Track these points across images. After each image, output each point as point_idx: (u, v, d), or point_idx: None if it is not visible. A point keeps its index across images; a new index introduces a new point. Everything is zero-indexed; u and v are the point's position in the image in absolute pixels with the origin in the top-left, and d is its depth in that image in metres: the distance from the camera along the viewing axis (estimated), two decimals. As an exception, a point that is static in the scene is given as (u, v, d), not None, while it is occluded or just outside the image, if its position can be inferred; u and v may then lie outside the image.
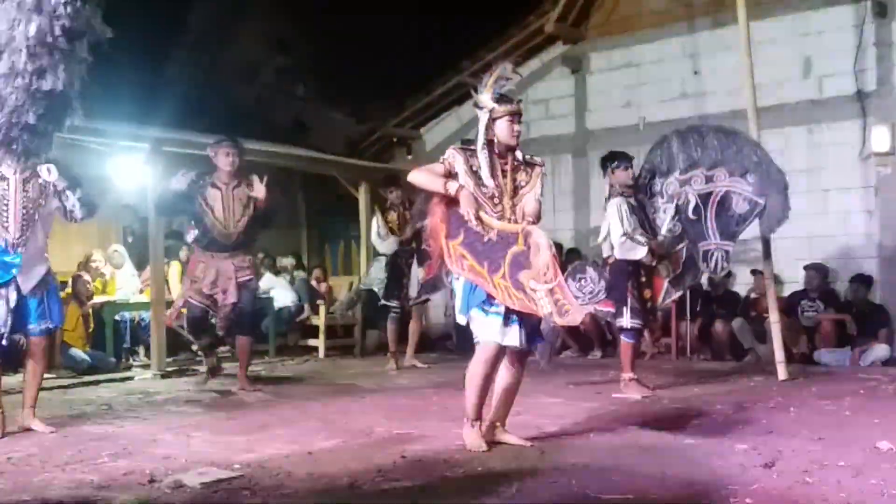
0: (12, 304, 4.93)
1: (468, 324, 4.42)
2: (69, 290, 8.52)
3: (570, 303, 4.09)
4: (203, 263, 6.85)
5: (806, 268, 8.76)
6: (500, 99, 4.44)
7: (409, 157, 11.96)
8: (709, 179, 6.59)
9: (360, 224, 10.45)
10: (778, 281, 8.05)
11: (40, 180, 4.95)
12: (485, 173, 4.39)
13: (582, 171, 10.97)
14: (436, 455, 4.30)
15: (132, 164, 8.74)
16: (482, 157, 4.40)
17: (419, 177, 4.54)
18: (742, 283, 9.41)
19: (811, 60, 9.34)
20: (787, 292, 8.91)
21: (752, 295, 9.12)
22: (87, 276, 8.69)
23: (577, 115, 11.05)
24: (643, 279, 6.51)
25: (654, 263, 6.55)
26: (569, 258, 10.18)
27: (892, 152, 8.73)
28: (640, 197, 6.64)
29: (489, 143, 4.44)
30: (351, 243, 12.07)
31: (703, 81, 10.04)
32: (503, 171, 4.44)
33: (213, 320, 7.01)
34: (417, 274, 8.24)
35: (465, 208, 4.28)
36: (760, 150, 6.60)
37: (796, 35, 9.39)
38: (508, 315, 4.28)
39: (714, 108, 9.80)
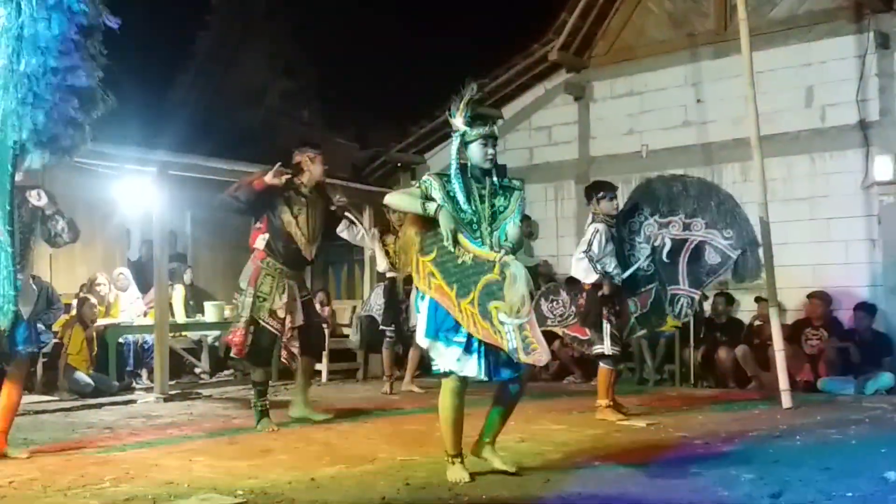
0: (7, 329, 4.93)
1: (427, 347, 4.35)
2: (73, 312, 8.52)
3: (538, 341, 4.01)
4: (271, 277, 6.15)
5: (809, 296, 8.76)
6: (473, 122, 4.38)
7: (413, 182, 11.98)
8: (686, 227, 6.72)
9: (364, 248, 10.45)
10: (781, 309, 8.02)
11: (30, 205, 4.97)
12: (461, 198, 4.31)
13: (585, 197, 10.97)
14: (440, 482, 4.27)
15: (139, 188, 8.78)
16: (456, 182, 4.33)
17: (397, 199, 4.51)
18: (745, 311, 9.41)
19: (814, 90, 9.39)
20: (790, 320, 8.90)
21: (756, 322, 9.11)
22: (93, 299, 8.69)
23: (581, 141, 11.09)
24: (619, 307, 6.53)
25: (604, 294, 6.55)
26: (568, 286, 10.22)
27: (895, 181, 8.75)
28: (621, 231, 6.72)
29: (462, 168, 4.39)
30: (354, 267, 12.08)
31: (705, 110, 10.08)
32: (480, 196, 4.36)
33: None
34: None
35: (445, 228, 4.20)
36: (739, 209, 6.75)
37: (799, 65, 9.44)
38: (470, 344, 4.20)
39: (716, 136, 9.86)
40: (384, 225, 8.84)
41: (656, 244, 6.71)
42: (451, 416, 4.32)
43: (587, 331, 6.61)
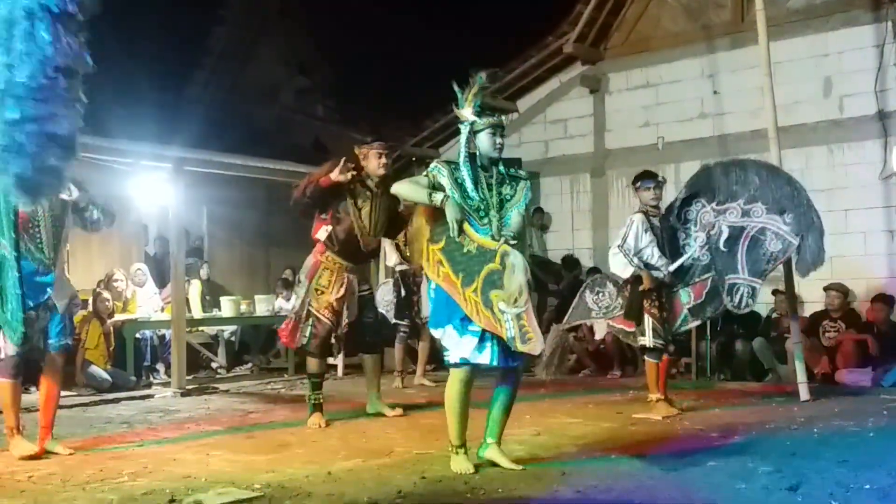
0: (45, 323, 4.98)
1: (440, 338, 4.38)
2: (90, 308, 8.58)
3: (534, 331, 4.06)
4: (330, 271, 6.12)
5: (827, 288, 8.69)
6: (482, 111, 4.43)
7: (427, 176, 11.98)
8: (745, 213, 6.49)
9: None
10: (799, 301, 7.98)
11: (62, 198, 5.02)
12: (469, 186, 4.37)
13: (600, 190, 10.97)
14: (456, 476, 4.28)
15: (154, 184, 8.82)
16: (465, 169, 4.39)
17: (404, 188, 4.56)
18: (763, 303, 9.34)
19: (832, 80, 9.32)
20: (808, 312, 8.85)
21: (773, 315, 9.06)
22: (106, 294, 8.75)
23: (596, 134, 11.05)
24: (664, 300, 6.45)
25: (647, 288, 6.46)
26: (590, 276, 10.18)
27: (914, 172, 8.69)
28: (670, 221, 6.59)
29: (471, 157, 4.44)
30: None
31: (722, 101, 10.03)
32: (488, 185, 4.42)
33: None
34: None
35: (451, 218, 4.25)
36: (804, 193, 6.46)
37: (816, 55, 9.37)
38: (484, 333, 4.24)
39: (734, 127, 9.80)
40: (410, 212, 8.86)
41: (712, 233, 6.52)
42: (458, 407, 4.35)
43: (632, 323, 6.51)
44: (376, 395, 6.54)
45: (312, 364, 6.23)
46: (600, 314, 6.79)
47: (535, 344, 4.07)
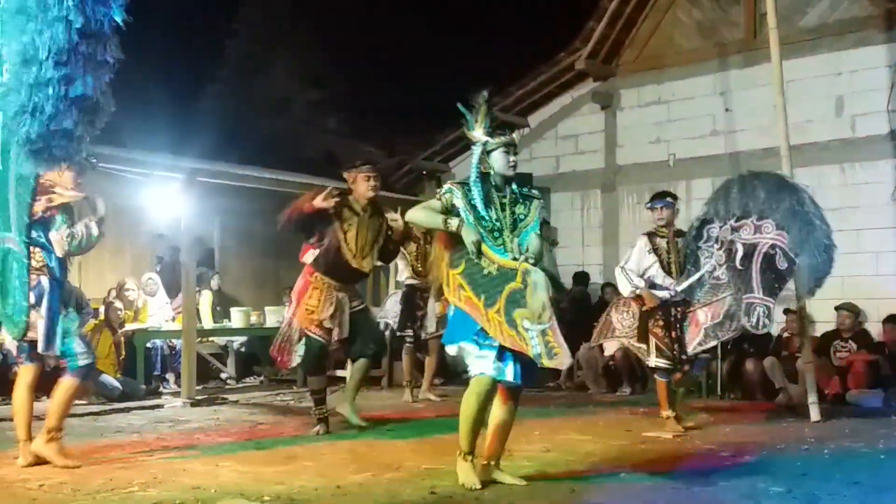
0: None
1: (456, 354, 4.41)
2: (101, 317, 8.61)
3: (560, 346, 4.08)
4: (319, 291, 6.25)
5: (838, 308, 8.66)
6: (494, 131, 4.45)
7: (438, 190, 12.00)
8: (757, 230, 6.33)
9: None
10: (810, 321, 7.95)
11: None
12: (480, 206, 4.38)
13: (611, 206, 10.97)
14: (465, 492, 4.28)
15: (167, 194, 8.86)
16: (476, 190, 4.40)
17: (418, 215, 4.54)
18: (774, 322, 9.30)
19: (844, 99, 9.31)
20: (819, 332, 8.81)
21: (785, 334, 9.02)
22: (118, 303, 8.78)
23: (607, 150, 11.06)
24: (671, 319, 6.43)
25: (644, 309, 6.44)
26: (605, 289, 10.19)
27: (927, 192, 8.65)
28: (687, 241, 6.53)
29: (484, 176, 4.45)
30: (379, 274, 12.09)
31: (734, 119, 10.03)
32: (501, 205, 4.43)
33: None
34: (435, 308, 8.28)
35: (469, 241, 4.27)
36: (805, 207, 6.26)
37: (829, 74, 9.37)
38: (503, 349, 4.25)
39: (746, 145, 9.80)
40: (406, 233, 8.88)
41: (731, 251, 6.36)
42: (473, 416, 4.35)
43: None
44: (349, 398, 6.60)
45: (312, 381, 6.44)
46: (624, 333, 6.77)
47: (563, 358, 4.09)
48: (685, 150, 10.32)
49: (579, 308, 10.14)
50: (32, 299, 4.70)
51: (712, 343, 6.60)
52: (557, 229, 11.29)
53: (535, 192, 4.62)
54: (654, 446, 5.77)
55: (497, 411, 4.47)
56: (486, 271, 4.29)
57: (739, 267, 6.31)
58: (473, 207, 4.37)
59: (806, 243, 6.16)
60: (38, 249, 4.73)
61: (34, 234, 4.67)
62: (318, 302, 6.24)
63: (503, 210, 4.42)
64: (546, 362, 4.08)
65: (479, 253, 4.28)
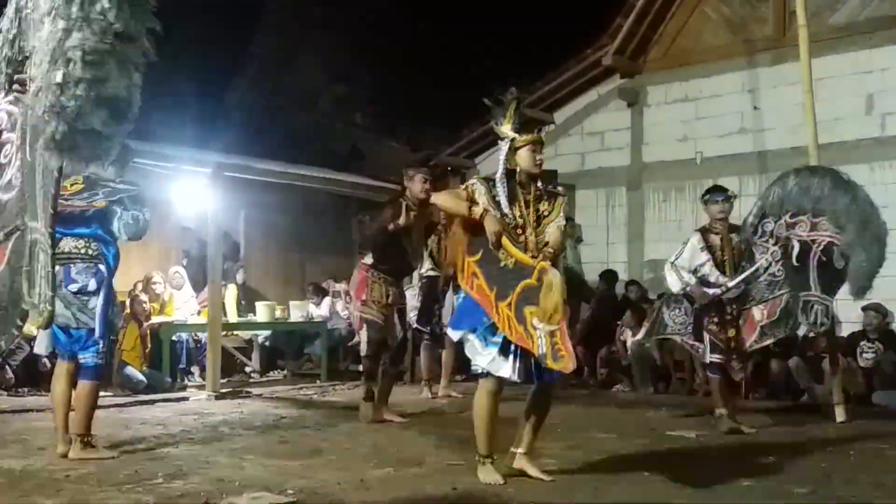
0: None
1: (459, 340, 4.46)
2: (127, 310, 8.69)
3: (566, 349, 4.07)
4: (377, 284, 6.65)
5: (864, 308, 8.56)
6: (522, 128, 4.46)
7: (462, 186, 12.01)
8: (813, 227, 6.23)
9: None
10: (836, 321, 7.87)
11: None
12: (505, 203, 4.39)
13: (637, 203, 10.92)
14: (487, 488, 4.29)
15: (194, 188, 8.92)
16: (501, 187, 4.41)
17: (444, 199, 4.61)
18: (836, 322, 9.16)
19: (874, 98, 9.21)
20: (845, 332, 8.73)
21: (810, 334, 8.93)
22: (144, 297, 8.86)
23: (633, 147, 11.00)
24: (727, 317, 6.35)
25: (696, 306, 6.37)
26: (629, 287, 10.16)
27: (957, 192, 8.53)
28: (743, 237, 6.42)
29: (510, 173, 4.46)
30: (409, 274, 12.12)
31: (762, 117, 9.95)
32: (525, 202, 4.44)
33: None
34: (453, 301, 8.28)
35: (490, 230, 4.26)
36: (856, 203, 6.16)
37: (859, 72, 9.27)
38: (506, 347, 4.25)
39: (773, 144, 9.72)
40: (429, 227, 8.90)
41: (785, 246, 6.28)
42: (485, 417, 4.37)
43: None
44: (383, 403, 6.80)
45: (368, 366, 6.74)
46: (676, 330, 6.67)
47: (567, 361, 4.07)
48: (712, 148, 10.25)
49: (606, 307, 10.11)
50: (94, 285, 4.92)
51: (768, 341, 6.52)
52: (582, 226, 11.25)
53: (559, 189, 4.63)
54: (677, 445, 5.75)
55: (530, 402, 4.49)
56: (502, 264, 4.30)
57: (796, 264, 6.21)
58: (497, 204, 4.38)
59: (860, 242, 6.07)
60: (92, 240, 4.96)
61: (93, 226, 4.94)
62: (380, 294, 6.64)
63: (527, 207, 4.43)
64: (550, 364, 4.08)
65: (499, 244, 4.28)
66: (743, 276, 6.31)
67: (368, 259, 6.73)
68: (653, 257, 10.65)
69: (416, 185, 6.63)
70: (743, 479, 4.54)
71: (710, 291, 6.27)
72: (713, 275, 6.30)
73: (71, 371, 5.05)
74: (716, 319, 6.33)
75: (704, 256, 6.31)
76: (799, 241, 6.23)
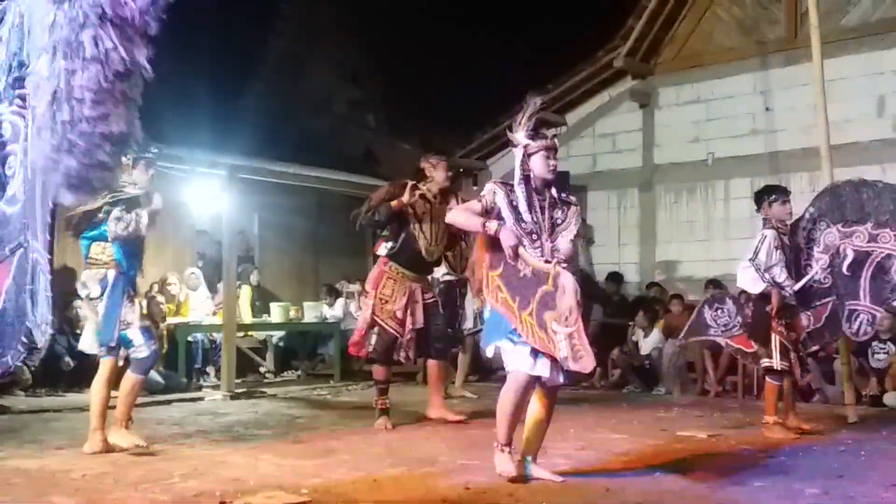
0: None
1: (494, 354, 4.48)
2: (144, 311, 8.75)
3: (585, 350, 4.14)
4: (393, 281, 6.44)
5: (876, 310, 8.54)
6: (535, 134, 4.50)
7: (475, 187, 12.06)
8: (872, 238, 6.17)
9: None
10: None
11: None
12: (523, 208, 4.44)
13: (648, 205, 10.94)
14: (500, 488, 4.31)
15: (209, 190, 8.99)
16: (520, 192, 4.46)
17: (458, 217, 4.64)
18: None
19: (885, 99, 9.22)
20: (858, 333, 8.71)
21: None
22: (160, 297, 8.93)
23: (645, 149, 11.03)
24: (789, 320, 6.22)
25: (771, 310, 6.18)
26: (650, 288, 10.17)
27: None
28: (795, 240, 6.36)
29: (526, 179, 4.50)
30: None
31: (774, 118, 9.95)
32: (541, 208, 4.48)
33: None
34: (473, 304, 8.31)
35: (507, 244, 4.32)
36: None
37: (871, 73, 9.28)
38: (535, 350, 4.30)
39: (785, 145, 9.73)
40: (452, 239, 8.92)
41: (836, 255, 6.23)
42: (511, 409, 4.40)
43: (753, 343, 6.25)
44: (436, 402, 6.77)
45: (378, 372, 6.51)
46: (719, 331, 6.56)
47: (587, 362, 4.14)
48: (724, 149, 10.27)
49: (613, 308, 10.14)
50: (98, 291, 5.10)
51: (813, 348, 6.51)
52: (594, 228, 11.28)
53: (572, 198, 4.66)
54: (688, 446, 5.76)
55: (535, 408, 4.52)
56: (521, 273, 4.35)
57: (846, 273, 6.19)
58: (515, 209, 4.44)
59: None
60: (108, 245, 5.12)
61: (101, 228, 5.10)
62: (392, 292, 6.42)
63: (542, 213, 4.47)
64: (571, 365, 4.15)
65: (516, 256, 4.34)
66: (803, 281, 6.23)
67: (383, 250, 6.55)
68: (664, 258, 10.68)
69: (439, 172, 6.50)
70: (754, 480, 4.55)
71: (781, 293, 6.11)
72: (783, 276, 6.14)
73: (111, 369, 5.23)
74: (784, 323, 6.14)
75: (778, 256, 6.14)
76: (855, 250, 6.19)
